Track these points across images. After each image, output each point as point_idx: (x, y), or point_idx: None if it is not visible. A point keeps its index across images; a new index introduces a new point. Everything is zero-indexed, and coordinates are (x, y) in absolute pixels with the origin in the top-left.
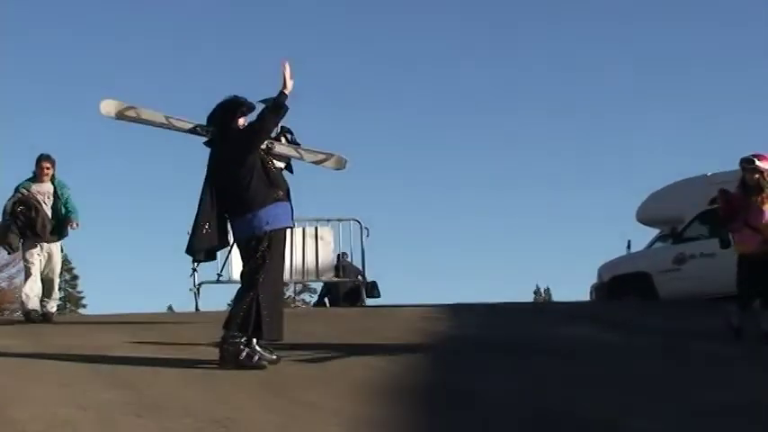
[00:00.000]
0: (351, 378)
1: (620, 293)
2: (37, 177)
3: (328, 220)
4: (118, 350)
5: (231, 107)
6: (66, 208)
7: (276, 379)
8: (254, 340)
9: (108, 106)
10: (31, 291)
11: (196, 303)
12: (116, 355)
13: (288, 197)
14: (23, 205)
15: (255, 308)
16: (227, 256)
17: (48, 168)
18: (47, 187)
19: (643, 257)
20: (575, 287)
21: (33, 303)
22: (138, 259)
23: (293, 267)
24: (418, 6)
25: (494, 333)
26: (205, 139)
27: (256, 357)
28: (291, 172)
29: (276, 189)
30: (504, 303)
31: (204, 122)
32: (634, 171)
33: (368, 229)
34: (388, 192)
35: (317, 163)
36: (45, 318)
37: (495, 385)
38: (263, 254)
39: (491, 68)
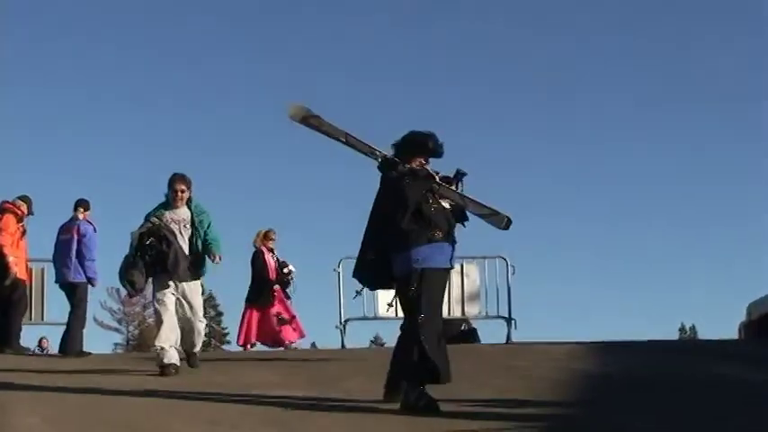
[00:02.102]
0: (502, 414)
1: None
2: (170, 203)
3: (473, 258)
4: (265, 387)
5: (416, 143)
6: (206, 238)
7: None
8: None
9: (295, 109)
10: (166, 341)
11: (342, 340)
12: (264, 392)
13: (448, 238)
14: (153, 236)
15: (420, 354)
16: (374, 293)
17: (182, 191)
18: (182, 214)
19: None
20: (721, 325)
21: (170, 357)
22: None
23: None
24: None
25: (643, 371)
26: (378, 162)
27: (423, 402)
28: (463, 224)
29: (434, 229)
30: (651, 341)
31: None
32: None
33: (514, 267)
34: (533, 229)
35: (480, 215)
36: (189, 362)
37: (649, 425)
38: (413, 293)
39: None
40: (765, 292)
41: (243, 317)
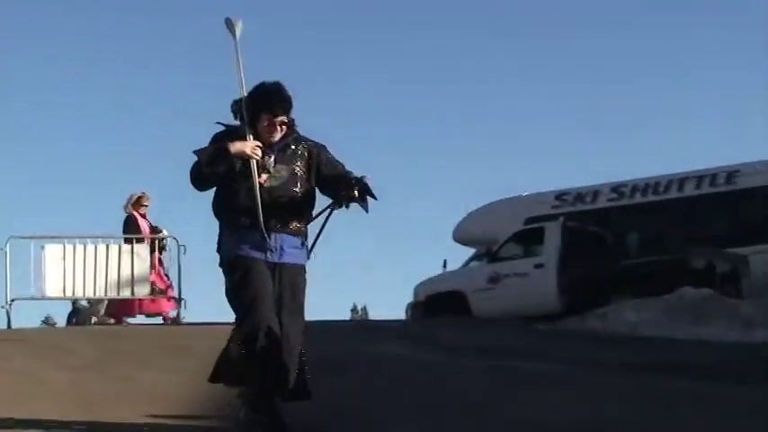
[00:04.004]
0: (159, 395)
1: (435, 312)
2: None
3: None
4: None
5: (260, 99)
6: None
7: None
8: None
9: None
10: None
11: (8, 320)
12: None
13: (257, 223)
14: None
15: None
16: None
17: None
18: None
19: (458, 276)
20: (393, 306)
21: None
22: None
23: (108, 283)
24: None
25: (311, 350)
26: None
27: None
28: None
29: (240, 214)
30: (321, 321)
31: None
32: (452, 190)
33: (185, 247)
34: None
35: None
36: None
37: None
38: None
39: None
40: (433, 274)
41: None
